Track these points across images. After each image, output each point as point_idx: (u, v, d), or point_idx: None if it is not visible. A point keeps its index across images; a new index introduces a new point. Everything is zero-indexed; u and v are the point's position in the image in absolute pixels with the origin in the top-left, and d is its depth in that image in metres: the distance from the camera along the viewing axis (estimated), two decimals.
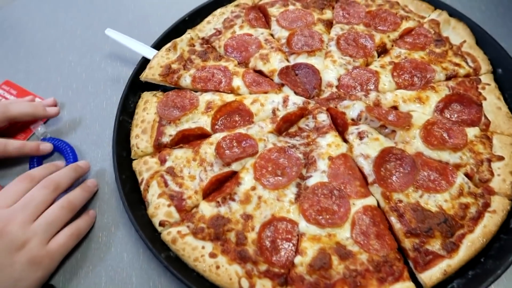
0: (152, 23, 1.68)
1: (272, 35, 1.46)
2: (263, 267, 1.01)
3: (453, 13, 1.42)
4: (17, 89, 1.53)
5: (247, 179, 1.13)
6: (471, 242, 1.01)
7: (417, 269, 1.00)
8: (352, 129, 1.19)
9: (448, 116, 1.20)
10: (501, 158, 1.12)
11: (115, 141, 1.24)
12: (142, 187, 1.18)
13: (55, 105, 1.44)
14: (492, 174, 1.10)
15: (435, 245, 1.01)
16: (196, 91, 1.34)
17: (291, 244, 1.03)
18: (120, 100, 1.32)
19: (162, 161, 1.20)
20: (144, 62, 1.41)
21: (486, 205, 1.05)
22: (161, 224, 1.11)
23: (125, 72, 1.53)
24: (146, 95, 1.36)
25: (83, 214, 1.19)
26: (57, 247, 1.08)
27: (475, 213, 1.04)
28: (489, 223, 1.03)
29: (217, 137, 1.22)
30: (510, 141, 1.16)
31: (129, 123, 1.32)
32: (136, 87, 1.38)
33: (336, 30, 1.42)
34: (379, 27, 1.41)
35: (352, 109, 1.23)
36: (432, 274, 0.98)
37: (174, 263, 1.05)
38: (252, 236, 1.05)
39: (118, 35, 1.50)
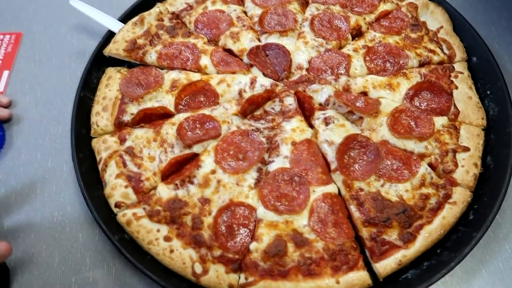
0: None
1: (245, 12, 1.41)
2: (218, 252, 0.99)
3: None
4: None
5: (208, 162, 1.10)
6: (429, 233, 0.99)
7: (373, 259, 0.99)
8: (318, 114, 1.16)
9: (418, 104, 1.18)
10: (466, 149, 1.10)
11: (74, 118, 1.19)
12: (100, 167, 1.15)
13: (9, 105, 1.35)
14: (456, 165, 1.08)
15: (392, 235, 0.99)
16: (162, 69, 1.29)
17: (247, 230, 1.01)
18: (81, 76, 1.27)
19: (122, 141, 1.16)
20: (110, 36, 1.35)
21: (447, 196, 1.04)
22: (117, 205, 1.08)
23: (91, 46, 1.44)
24: (110, 71, 1.30)
25: None
26: None
27: (435, 204, 1.02)
28: (448, 215, 1.02)
29: (180, 117, 1.18)
30: (477, 132, 1.14)
31: (91, 99, 1.27)
32: (101, 62, 1.32)
33: (312, 10, 1.37)
34: (355, 9, 1.36)
35: (321, 93, 1.19)
36: (387, 264, 0.97)
37: (128, 246, 1.03)
38: (208, 220, 1.03)
39: (84, 6, 1.43)
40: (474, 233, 0.98)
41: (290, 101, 1.19)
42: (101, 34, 1.38)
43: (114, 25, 1.37)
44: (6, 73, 1.43)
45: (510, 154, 1.07)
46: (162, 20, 1.37)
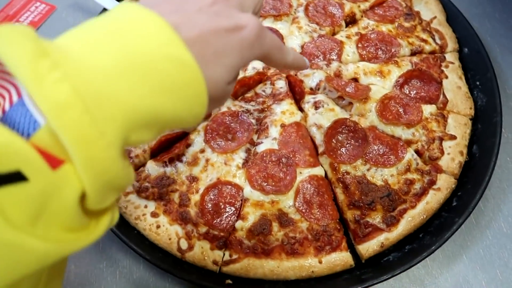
0: None
1: None
2: (203, 229, 1.00)
3: None
4: None
5: (197, 141, 1.11)
6: (412, 218, 1.01)
7: (356, 241, 1.01)
8: (308, 98, 1.17)
9: (407, 92, 1.19)
10: (453, 137, 1.11)
11: None
12: None
13: None
14: (442, 152, 1.09)
15: (375, 218, 1.01)
16: None
17: (234, 209, 1.03)
18: None
19: None
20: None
21: (432, 182, 1.05)
22: None
23: (72, 8, 1.47)
24: None
25: None
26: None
27: (419, 190, 1.04)
28: (432, 200, 1.03)
29: None
30: (465, 121, 1.15)
31: None
32: None
33: None
34: None
35: (312, 77, 1.20)
36: (369, 246, 0.99)
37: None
38: (195, 198, 1.04)
39: None
40: (456, 219, 0.99)
41: (281, 84, 1.20)
42: (98, 12, 1.38)
43: (110, 3, 1.37)
44: None
45: (495, 143, 1.08)
46: None
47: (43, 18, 1.47)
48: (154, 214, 1.03)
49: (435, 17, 1.32)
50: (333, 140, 1.10)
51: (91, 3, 1.48)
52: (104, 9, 1.36)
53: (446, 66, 1.24)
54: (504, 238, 1.06)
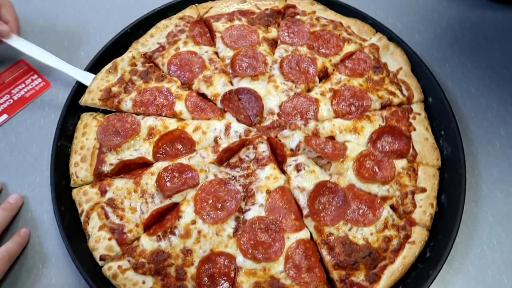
0: (92, 31, 1.60)
1: (216, 53, 1.45)
2: None
3: (393, 37, 1.47)
4: None
5: (188, 212, 1.16)
6: (391, 273, 1.11)
7: None
8: (290, 160, 1.24)
9: (380, 147, 1.28)
10: (423, 190, 1.21)
11: (53, 169, 1.21)
12: (82, 219, 1.18)
13: None
14: (414, 206, 1.19)
15: (359, 277, 1.10)
16: (138, 114, 1.32)
17: (228, 279, 1.09)
18: (57, 124, 1.28)
19: (103, 192, 1.20)
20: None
21: (407, 236, 1.15)
22: (102, 258, 1.13)
23: (64, 87, 1.46)
24: (86, 117, 1.32)
25: (14, 235, 1.19)
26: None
27: (396, 245, 1.14)
28: (408, 254, 1.13)
29: (158, 167, 1.22)
30: (433, 172, 1.25)
31: (68, 147, 1.29)
32: (75, 107, 1.34)
33: (280, 51, 1.43)
34: (321, 50, 1.44)
35: (292, 139, 1.27)
36: None
37: None
38: (191, 271, 1.10)
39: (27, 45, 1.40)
40: (431, 271, 1.10)
41: (263, 148, 1.26)
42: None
43: (80, 75, 1.36)
44: None
45: (461, 194, 1.19)
46: (135, 65, 1.39)
47: (35, 94, 1.46)
48: None
49: (401, 68, 1.42)
50: (316, 202, 1.18)
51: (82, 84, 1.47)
52: (79, 83, 1.36)
53: (414, 118, 1.33)
54: (473, 282, 1.18)
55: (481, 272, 1.19)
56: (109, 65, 1.37)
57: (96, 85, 1.33)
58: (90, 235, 1.16)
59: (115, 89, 1.33)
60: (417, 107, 1.36)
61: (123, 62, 1.38)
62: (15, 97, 1.45)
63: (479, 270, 1.20)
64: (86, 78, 1.36)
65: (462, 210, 1.17)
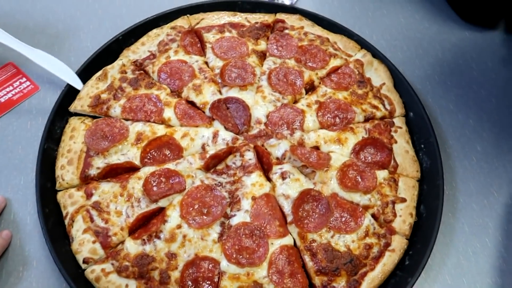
0: (83, 37, 1.62)
1: (206, 63, 1.48)
2: None
3: (377, 54, 1.53)
4: None
5: (173, 217, 1.17)
6: (371, 280, 1.14)
7: None
8: (276, 168, 1.27)
9: (363, 158, 1.32)
10: (403, 200, 1.26)
11: (38, 171, 1.21)
12: (66, 222, 1.18)
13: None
14: (395, 215, 1.23)
15: (340, 283, 1.13)
16: (127, 120, 1.34)
17: (212, 283, 1.10)
18: (45, 126, 1.28)
19: (88, 195, 1.20)
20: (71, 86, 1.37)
21: (387, 244, 1.19)
22: (85, 261, 1.12)
23: (53, 91, 1.47)
24: (74, 121, 1.33)
25: None
26: None
27: (377, 253, 1.17)
28: (388, 262, 1.17)
29: (145, 171, 1.24)
30: (413, 183, 1.30)
31: (54, 150, 1.29)
32: (63, 111, 1.35)
33: (269, 63, 1.48)
34: (308, 63, 1.49)
35: (278, 148, 1.30)
36: None
37: None
38: (175, 275, 1.10)
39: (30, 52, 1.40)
40: (409, 279, 1.13)
41: (250, 156, 1.29)
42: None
43: (72, 79, 1.38)
44: None
45: (439, 204, 1.23)
46: (125, 73, 1.41)
47: (23, 97, 1.46)
48: None
49: (384, 84, 1.47)
50: (300, 209, 1.20)
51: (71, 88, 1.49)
52: (69, 85, 1.37)
53: (395, 131, 1.38)
54: None
55: (457, 281, 1.23)
56: (99, 72, 1.39)
57: (86, 92, 1.35)
58: (74, 238, 1.16)
59: (104, 96, 1.35)
60: (399, 121, 1.41)
61: (113, 69, 1.40)
62: (2, 100, 1.45)
63: (455, 279, 1.23)
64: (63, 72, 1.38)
65: (439, 220, 1.21)
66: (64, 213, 1.19)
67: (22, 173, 1.32)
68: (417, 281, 1.14)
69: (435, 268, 1.25)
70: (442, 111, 1.53)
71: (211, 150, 1.28)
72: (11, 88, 1.47)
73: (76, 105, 1.33)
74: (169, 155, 1.28)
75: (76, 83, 1.36)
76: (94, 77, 1.38)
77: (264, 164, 1.30)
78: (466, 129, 1.50)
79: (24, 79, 1.49)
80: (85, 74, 1.41)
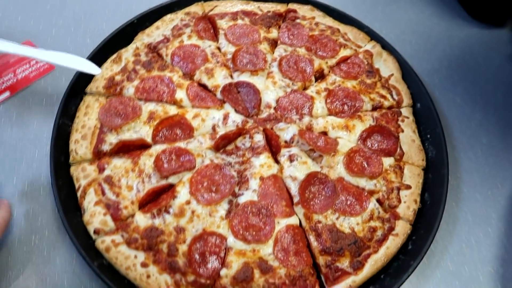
0: (99, 20, 1.65)
1: (219, 48, 1.52)
2: (191, 277, 1.10)
3: (386, 46, 1.55)
4: None
5: (183, 193, 1.20)
6: (375, 262, 1.16)
7: (327, 283, 1.14)
8: (284, 151, 1.30)
9: (370, 145, 1.34)
10: (408, 187, 1.28)
11: (53, 145, 1.24)
12: (78, 194, 1.21)
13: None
14: (399, 201, 1.25)
15: (344, 263, 1.15)
16: (139, 99, 1.37)
17: (218, 257, 1.13)
18: (60, 103, 1.32)
19: (101, 169, 1.23)
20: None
21: (391, 229, 1.21)
22: (96, 232, 1.15)
23: (68, 70, 1.50)
24: (88, 99, 1.36)
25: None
26: None
27: (380, 236, 1.19)
28: (391, 245, 1.19)
29: (157, 149, 1.27)
30: (418, 171, 1.32)
31: (69, 126, 1.32)
32: (78, 90, 1.38)
33: (280, 51, 1.51)
34: (319, 52, 1.52)
35: (286, 131, 1.33)
36: None
37: (106, 271, 1.11)
38: (183, 248, 1.13)
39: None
40: (412, 262, 1.15)
41: (259, 138, 1.32)
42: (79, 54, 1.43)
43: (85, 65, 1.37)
44: None
45: (443, 193, 1.25)
46: (139, 55, 1.45)
47: (39, 75, 1.49)
48: (144, 264, 1.11)
49: (392, 74, 1.50)
50: (307, 191, 1.23)
51: (72, 47, 1.54)
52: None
53: (402, 121, 1.41)
54: (451, 276, 1.24)
55: (459, 268, 1.25)
56: (114, 55, 1.43)
57: (101, 74, 1.39)
58: (86, 209, 1.19)
59: (118, 78, 1.38)
60: (406, 111, 1.44)
61: (127, 52, 1.44)
62: (19, 76, 1.49)
63: (457, 266, 1.25)
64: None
65: (443, 208, 1.23)
66: (76, 185, 1.22)
67: (36, 147, 1.35)
68: (419, 266, 1.16)
69: (437, 254, 1.27)
70: (449, 104, 1.56)
71: (221, 131, 1.31)
72: (27, 66, 1.51)
73: (92, 87, 1.37)
74: (180, 134, 1.31)
75: (95, 70, 1.35)
76: (109, 60, 1.42)
77: (273, 147, 1.32)
78: (472, 122, 1.52)
79: None
80: (100, 55, 1.44)
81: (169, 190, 1.22)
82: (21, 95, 1.46)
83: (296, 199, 1.22)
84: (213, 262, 1.12)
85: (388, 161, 1.31)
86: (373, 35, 1.59)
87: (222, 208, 1.19)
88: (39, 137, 1.37)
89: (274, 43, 1.55)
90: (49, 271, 1.17)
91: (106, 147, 1.27)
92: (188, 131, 1.31)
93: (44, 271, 1.16)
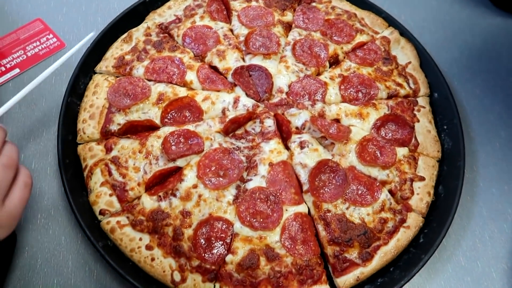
0: None
1: (231, 30, 1.48)
2: (196, 262, 1.08)
3: (404, 33, 1.50)
4: None
5: (190, 177, 1.17)
6: (384, 254, 1.13)
7: (335, 274, 1.11)
8: (294, 137, 1.26)
9: (383, 134, 1.30)
10: (422, 179, 1.24)
11: (61, 123, 1.23)
12: (85, 174, 1.20)
13: None
14: (412, 193, 1.22)
15: (353, 254, 1.12)
16: (149, 80, 1.34)
17: (224, 243, 1.11)
18: (69, 81, 1.30)
19: (108, 150, 1.22)
20: (97, 42, 1.38)
21: (402, 221, 1.17)
22: (101, 212, 1.14)
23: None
24: (98, 78, 1.34)
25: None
26: (14, 204, 0.97)
27: (391, 228, 1.16)
28: (402, 237, 1.15)
29: (165, 131, 1.24)
30: (433, 163, 1.28)
31: (77, 105, 1.31)
32: (87, 68, 1.36)
33: (294, 34, 1.46)
34: (334, 37, 1.47)
35: (298, 117, 1.29)
36: (346, 280, 1.10)
37: (111, 252, 1.10)
38: (188, 232, 1.11)
39: None
40: (423, 256, 1.12)
41: (269, 123, 1.28)
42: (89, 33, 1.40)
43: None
44: None
45: (458, 185, 1.21)
46: (150, 35, 1.42)
47: (49, 53, 1.48)
48: (148, 247, 1.09)
49: (409, 62, 1.44)
50: (317, 179, 1.20)
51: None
52: (96, 38, 1.38)
53: (418, 110, 1.36)
54: (462, 271, 1.20)
55: (471, 263, 1.21)
56: (125, 35, 1.40)
57: (111, 53, 1.36)
58: (92, 190, 1.17)
59: (128, 57, 1.36)
60: (423, 101, 1.39)
61: (138, 32, 1.41)
62: (28, 54, 1.47)
63: (469, 261, 1.22)
64: None
65: (458, 201, 1.19)
66: (83, 165, 1.21)
67: (44, 125, 1.34)
68: (430, 260, 1.13)
69: (449, 249, 1.23)
70: (467, 94, 1.50)
71: (231, 115, 1.28)
72: (38, 43, 1.49)
73: (101, 66, 1.35)
74: (189, 117, 1.28)
75: (89, 40, 1.28)
76: (119, 39, 1.39)
77: (283, 133, 1.29)
78: (491, 114, 1.47)
79: (51, 35, 1.51)
80: (110, 34, 1.42)
81: (176, 173, 1.20)
82: (30, 72, 1.45)
83: (305, 187, 1.19)
84: (218, 248, 1.10)
85: (402, 151, 1.27)
86: (391, 21, 1.53)
87: (230, 193, 1.16)
88: (48, 116, 1.36)
89: (288, 27, 1.50)
90: (54, 250, 1.16)
91: (114, 127, 1.25)
92: (198, 114, 1.28)
93: (49, 250, 1.16)
